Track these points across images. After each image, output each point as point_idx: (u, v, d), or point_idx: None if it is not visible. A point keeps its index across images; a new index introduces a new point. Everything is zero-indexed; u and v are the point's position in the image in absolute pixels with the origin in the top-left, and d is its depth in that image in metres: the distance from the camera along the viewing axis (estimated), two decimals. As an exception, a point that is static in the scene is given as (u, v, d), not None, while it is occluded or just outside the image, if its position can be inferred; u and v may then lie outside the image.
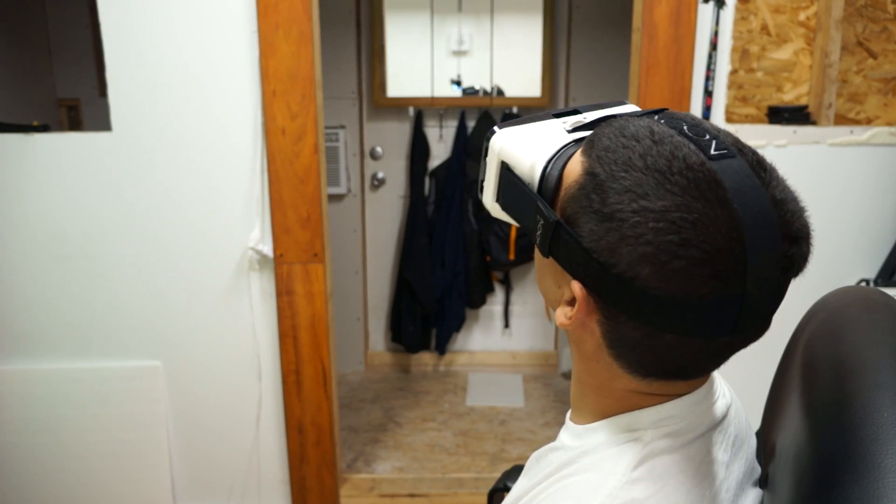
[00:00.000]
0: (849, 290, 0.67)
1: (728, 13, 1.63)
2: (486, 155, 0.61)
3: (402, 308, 2.99)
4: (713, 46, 1.63)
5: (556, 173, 0.55)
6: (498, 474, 0.79)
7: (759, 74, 1.71)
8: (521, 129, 0.60)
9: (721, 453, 0.58)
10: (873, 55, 1.72)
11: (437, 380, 3.02)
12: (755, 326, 0.50)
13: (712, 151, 0.48)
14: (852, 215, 1.74)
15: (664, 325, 0.49)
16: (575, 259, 0.52)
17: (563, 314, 0.55)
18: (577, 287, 0.52)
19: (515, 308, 3.12)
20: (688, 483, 0.54)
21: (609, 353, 0.55)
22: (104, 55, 1.61)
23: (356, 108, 2.87)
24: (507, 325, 3.14)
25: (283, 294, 1.73)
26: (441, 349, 3.07)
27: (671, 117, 0.53)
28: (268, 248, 1.71)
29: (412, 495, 2.10)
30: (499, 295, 3.11)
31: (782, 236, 0.48)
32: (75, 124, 2.63)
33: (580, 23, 2.87)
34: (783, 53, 1.70)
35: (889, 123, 1.74)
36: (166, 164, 1.67)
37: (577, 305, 0.53)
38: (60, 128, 2.59)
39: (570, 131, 0.59)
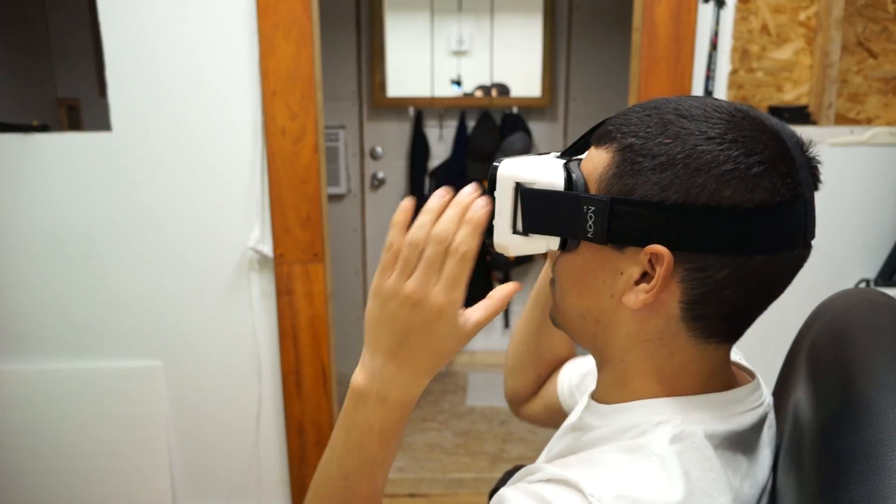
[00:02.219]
0: (852, 292, 0.68)
1: (728, 13, 1.63)
2: (493, 189, 0.60)
3: (402, 308, 2.99)
4: (713, 46, 1.63)
5: (581, 172, 0.57)
6: (498, 474, 0.79)
7: (760, 74, 1.71)
8: (521, 158, 0.61)
9: (764, 456, 0.60)
10: (873, 55, 1.72)
11: (437, 380, 3.02)
12: (812, 233, 0.55)
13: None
14: (852, 215, 1.74)
15: (752, 246, 0.52)
16: (644, 224, 0.53)
17: (636, 296, 0.55)
18: (658, 249, 0.53)
19: (516, 308, 3.12)
20: (727, 475, 0.54)
21: (684, 318, 0.56)
22: (104, 55, 1.61)
23: (356, 108, 2.87)
24: (507, 325, 3.14)
25: (283, 294, 1.73)
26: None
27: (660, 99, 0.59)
28: (268, 248, 1.71)
29: (412, 495, 2.10)
30: (499, 295, 3.11)
31: (804, 155, 0.54)
32: (75, 124, 2.63)
33: (580, 23, 2.87)
34: (783, 53, 1.70)
35: (889, 123, 1.74)
36: (166, 165, 1.67)
37: (661, 270, 0.53)
38: (60, 128, 2.59)
39: (558, 156, 0.61)
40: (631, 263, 0.55)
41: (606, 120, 0.59)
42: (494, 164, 0.60)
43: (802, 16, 1.69)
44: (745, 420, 0.58)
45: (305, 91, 1.62)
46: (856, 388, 0.50)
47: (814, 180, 0.55)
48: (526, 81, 2.95)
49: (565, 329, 0.66)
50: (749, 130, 0.52)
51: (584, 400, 0.71)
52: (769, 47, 1.70)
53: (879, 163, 1.72)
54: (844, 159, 1.71)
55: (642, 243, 0.53)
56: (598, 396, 0.65)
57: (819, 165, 0.56)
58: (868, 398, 0.48)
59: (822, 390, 0.54)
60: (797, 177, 0.52)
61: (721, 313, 0.56)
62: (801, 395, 0.59)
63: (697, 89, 1.64)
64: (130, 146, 1.66)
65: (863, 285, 1.72)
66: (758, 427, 0.60)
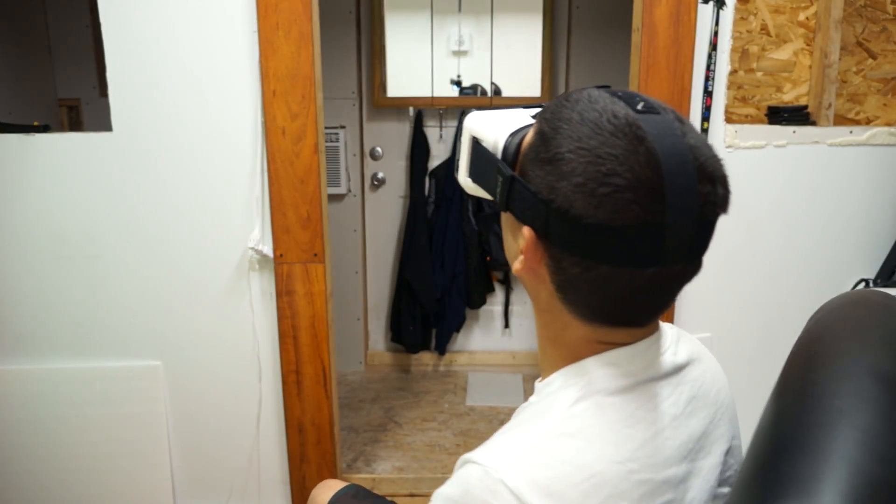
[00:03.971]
0: (852, 292, 0.69)
1: (728, 13, 1.63)
2: (460, 134, 0.71)
3: (402, 308, 2.99)
4: (713, 46, 1.63)
5: (515, 141, 0.63)
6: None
7: (759, 74, 1.71)
8: (492, 112, 0.69)
9: (668, 405, 0.62)
10: (873, 55, 1.72)
11: (437, 380, 3.02)
12: (679, 257, 0.55)
13: (638, 108, 0.56)
14: (852, 215, 1.74)
15: (598, 255, 0.55)
16: (525, 206, 0.59)
17: (518, 262, 0.62)
18: (527, 231, 0.59)
19: (515, 308, 3.12)
20: (620, 423, 0.59)
21: (559, 298, 0.61)
22: (104, 55, 1.61)
23: (356, 108, 2.87)
24: (507, 325, 3.15)
25: (283, 294, 1.73)
26: (441, 349, 3.07)
27: (611, 90, 0.61)
28: (268, 248, 1.71)
29: (412, 495, 2.10)
30: (499, 295, 3.11)
31: (698, 177, 0.55)
32: (76, 124, 2.64)
33: (580, 23, 2.87)
34: (783, 53, 1.70)
35: (888, 123, 1.74)
36: (167, 165, 1.68)
37: (526, 248, 0.60)
38: (61, 128, 2.59)
39: (533, 116, 0.65)
40: (520, 234, 0.61)
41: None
42: (467, 112, 0.71)
43: (802, 16, 1.69)
44: (647, 374, 0.62)
45: (305, 91, 1.62)
46: (816, 375, 0.52)
47: (706, 207, 0.55)
48: (526, 81, 2.95)
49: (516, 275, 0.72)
50: (623, 150, 0.53)
51: None
52: (769, 47, 1.70)
53: (879, 163, 1.72)
54: (844, 159, 1.71)
55: (522, 220, 0.60)
56: (541, 376, 0.70)
57: (721, 192, 0.57)
58: (822, 385, 0.50)
59: (788, 375, 0.56)
60: (659, 204, 0.53)
61: (587, 302, 0.60)
62: (777, 383, 0.61)
63: (697, 89, 1.64)
64: (131, 146, 1.66)
65: (862, 285, 1.73)
66: (660, 378, 0.63)
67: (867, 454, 0.43)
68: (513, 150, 0.62)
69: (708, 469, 0.64)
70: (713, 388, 0.68)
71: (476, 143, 0.67)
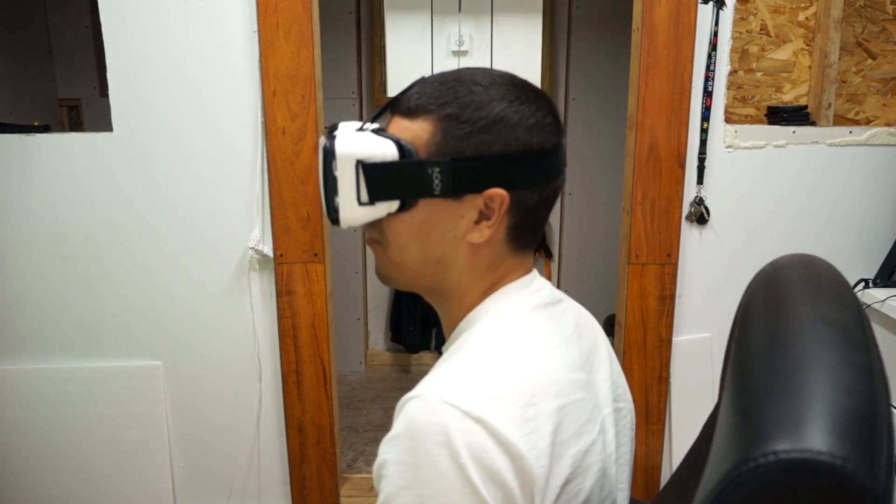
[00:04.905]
0: (789, 256, 0.80)
1: (728, 13, 1.63)
2: (329, 169, 0.68)
3: (402, 308, 2.99)
4: (713, 47, 1.63)
5: (410, 145, 0.68)
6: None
7: (759, 75, 1.71)
8: (343, 136, 0.69)
9: (563, 325, 0.74)
10: (872, 55, 1.72)
11: (437, 380, 3.02)
12: (564, 168, 0.72)
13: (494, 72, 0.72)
14: (852, 215, 1.75)
15: (549, 175, 0.70)
16: (479, 175, 0.67)
17: (480, 233, 0.69)
18: (497, 191, 0.67)
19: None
20: (536, 334, 0.69)
21: (507, 240, 0.71)
22: (105, 55, 1.62)
23: (356, 108, 2.87)
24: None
25: (284, 294, 1.73)
26: (441, 349, 3.07)
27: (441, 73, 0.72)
28: (268, 248, 1.71)
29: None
30: (499, 295, 3.11)
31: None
32: (76, 125, 2.64)
33: (580, 23, 2.87)
34: (782, 54, 1.71)
35: (888, 124, 1.74)
36: (167, 165, 1.68)
37: (500, 207, 0.67)
38: (61, 128, 2.59)
39: (359, 130, 0.70)
40: (469, 209, 0.68)
41: (404, 94, 0.70)
42: (323, 144, 0.68)
43: (801, 16, 1.69)
44: (541, 296, 0.74)
45: (305, 91, 1.62)
46: (776, 327, 0.58)
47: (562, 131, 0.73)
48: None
49: (399, 280, 0.76)
50: (531, 94, 0.69)
51: None
52: (768, 48, 1.70)
53: (878, 163, 1.72)
54: (843, 159, 1.71)
55: (480, 190, 0.67)
56: (445, 335, 0.78)
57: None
58: (784, 334, 0.56)
59: (752, 330, 0.61)
60: (560, 127, 0.71)
61: (532, 230, 0.73)
62: (735, 339, 0.66)
63: (697, 89, 1.65)
64: (131, 146, 1.66)
65: (861, 285, 1.73)
66: (553, 304, 0.75)
67: (837, 390, 0.47)
68: (414, 150, 0.67)
69: (601, 380, 0.75)
70: (589, 320, 0.81)
71: (367, 164, 0.67)
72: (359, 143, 0.68)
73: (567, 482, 0.62)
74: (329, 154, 0.67)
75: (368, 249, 3.07)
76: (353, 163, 0.67)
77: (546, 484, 0.60)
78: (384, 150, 0.67)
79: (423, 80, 0.70)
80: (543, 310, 0.73)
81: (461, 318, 0.74)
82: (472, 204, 0.68)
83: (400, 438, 0.60)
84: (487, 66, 2.93)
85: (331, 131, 0.70)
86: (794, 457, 0.43)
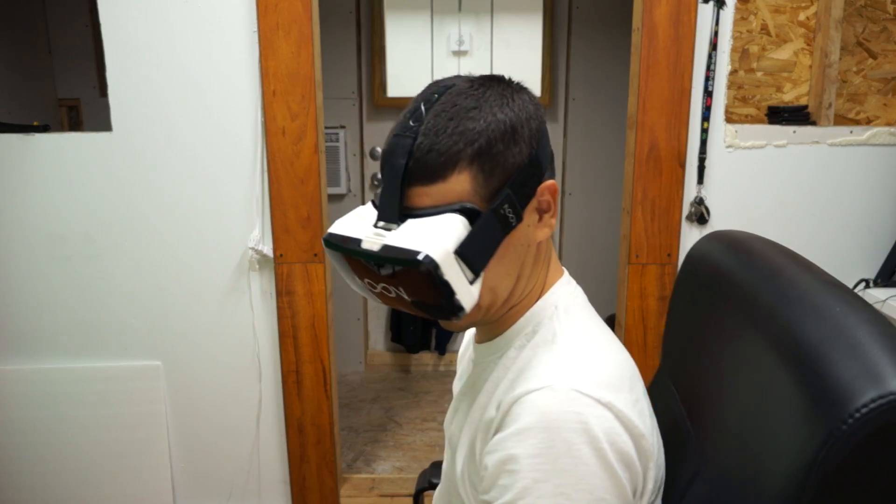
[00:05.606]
0: (722, 233, 0.88)
1: (728, 13, 1.63)
2: (436, 281, 0.62)
3: (402, 308, 2.99)
4: (713, 46, 1.63)
5: (469, 204, 0.65)
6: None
7: (759, 74, 1.71)
8: (419, 239, 0.63)
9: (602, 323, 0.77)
10: (873, 55, 1.72)
11: (437, 380, 3.02)
12: None
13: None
14: (852, 215, 1.74)
15: (551, 154, 0.72)
16: (528, 180, 0.67)
17: (547, 227, 0.70)
18: (545, 185, 0.69)
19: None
20: (600, 326, 0.74)
21: (546, 225, 0.71)
22: (104, 55, 1.62)
23: (356, 108, 2.87)
24: (507, 325, 3.14)
25: (283, 294, 1.73)
26: (441, 349, 3.07)
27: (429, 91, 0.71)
28: (268, 248, 1.71)
29: (412, 495, 2.09)
30: (499, 295, 3.11)
31: None
32: (75, 124, 2.63)
33: (580, 23, 2.87)
34: (783, 53, 1.70)
35: (889, 123, 1.74)
36: (167, 165, 1.68)
37: (553, 196, 0.69)
38: (61, 128, 2.59)
39: (456, 211, 0.66)
40: (528, 213, 0.68)
41: (412, 162, 0.64)
42: (419, 260, 0.60)
43: (802, 16, 1.69)
44: (580, 290, 0.78)
45: (305, 91, 1.62)
46: (797, 294, 0.63)
47: None
48: (526, 82, 2.94)
49: (480, 320, 0.72)
50: (503, 85, 0.70)
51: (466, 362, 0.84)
52: (769, 47, 1.70)
53: (879, 163, 1.72)
54: (844, 159, 1.71)
55: (534, 194, 0.68)
56: (482, 337, 0.78)
57: None
58: (811, 299, 0.61)
59: (765, 304, 0.66)
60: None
61: (553, 213, 0.72)
62: (738, 312, 0.72)
63: (697, 89, 1.65)
64: (131, 146, 1.66)
65: (862, 285, 1.72)
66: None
67: (880, 337, 0.52)
68: (472, 202, 0.65)
69: None
70: None
71: (460, 250, 0.63)
72: (441, 239, 0.62)
73: (658, 457, 0.68)
74: (433, 267, 0.60)
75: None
76: (452, 259, 0.62)
77: (655, 461, 0.65)
78: (459, 228, 0.63)
79: (414, 133, 0.64)
80: (587, 304, 0.77)
81: (521, 313, 0.73)
82: (530, 209, 0.68)
83: (531, 431, 0.59)
84: (487, 65, 2.93)
85: (325, 240, 0.67)
86: (882, 403, 0.47)
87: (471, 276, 0.64)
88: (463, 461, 0.74)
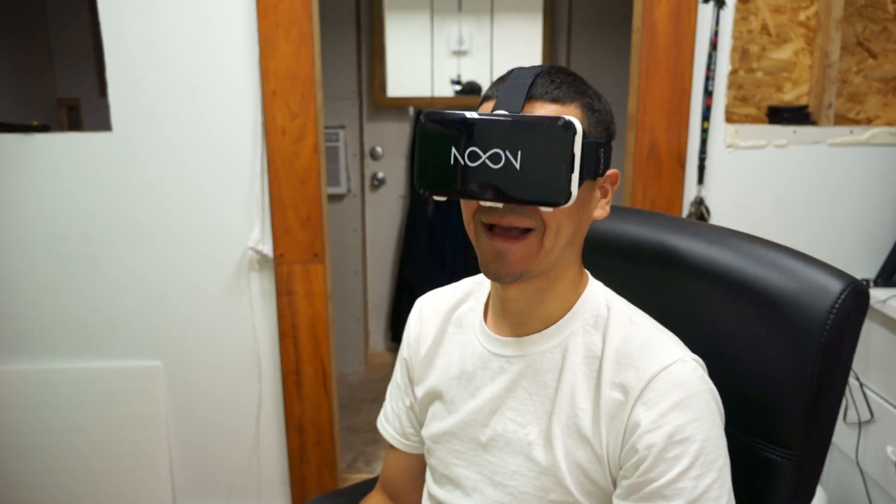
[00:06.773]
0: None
1: (728, 13, 1.63)
2: (568, 146, 0.64)
3: (402, 308, 2.99)
4: (713, 46, 1.63)
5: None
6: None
7: (759, 74, 1.71)
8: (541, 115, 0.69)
9: None
10: (873, 55, 1.72)
11: (437, 380, 3.01)
12: None
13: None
14: (852, 215, 1.74)
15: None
16: (606, 157, 0.72)
17: (602, 209, 0.76)
18: (615, 171, 0.75)
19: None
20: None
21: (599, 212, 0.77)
22: (104, 55, 1.61)
23: (356, 108, 2.87)
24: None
25: (283, 294, 1.73)
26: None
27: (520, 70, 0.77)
28: (268, 248, 1.71)
29: (412, 495, 2.09)
30: (499, 295, 3.10)
31: None
32: (75, 124, 2.63)
33: (580, 23, 2.87)
34: (783, 53, 1.70)
35: (889, 123, 1.74)
36: (166, 165, 1.67)
37: (613, 185, 0.76)
38: (60, 128, 2.59)
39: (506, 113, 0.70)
40: (597, 187, 0.75)
41: (537, 81, 0.70)
42: (563, 122, 0.63)
43: (802, 16, 1.69)
44: None
45: (305, 91, 1.62)
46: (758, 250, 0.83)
47: None
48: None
49: (536, 270, 0.71)
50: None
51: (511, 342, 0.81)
52: (769, 47, 1.70)
53: (879, 163, 1.72)
54: (844, 159, 1.71)
55: (606, 171, 0.73)
56: (520, 330, 0.78)
57: None
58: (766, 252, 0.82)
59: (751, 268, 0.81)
60: None
61: (609, 200, 0.79)
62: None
63: (697, 89, 1.64)
64: (131, 146, 1.66)
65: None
66: None
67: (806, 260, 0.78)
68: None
69: None
70: None
71: (585, 140, 0.65)
72: (575, 122, 0.65)
73: None
74: (572, 130, 0.63)
75: (368, 249, 3.07)
76: (580, 141, 0.64)
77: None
78: (581, 127, 0.65)
79: (537, 72, 0.70)
80: None
81: (568, 304, 0.77)
82: (599, 183, 0.75)
83: (685, 402, 0.67)
84: (487, 65, 2.93)
85: (428, 115, 0.69)
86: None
87: (577, 178, 0.65)
88: (562, 452, 0.73)
